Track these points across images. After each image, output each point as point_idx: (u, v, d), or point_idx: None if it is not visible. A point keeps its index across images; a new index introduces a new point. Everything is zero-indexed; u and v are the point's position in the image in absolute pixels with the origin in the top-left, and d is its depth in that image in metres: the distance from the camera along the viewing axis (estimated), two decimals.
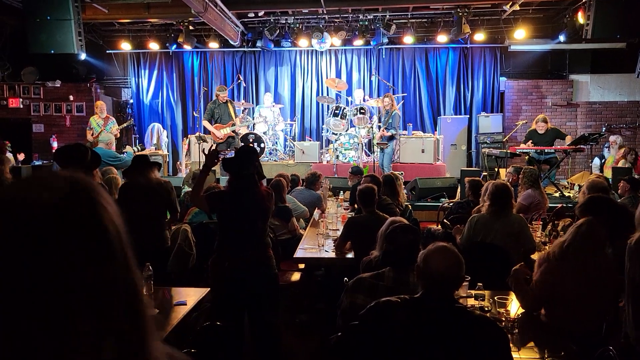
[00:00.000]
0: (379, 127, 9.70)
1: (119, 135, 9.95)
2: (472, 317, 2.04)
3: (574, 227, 3.18)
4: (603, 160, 10.00)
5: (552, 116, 10.96)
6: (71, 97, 11.99)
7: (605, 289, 3.06)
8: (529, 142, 9.06)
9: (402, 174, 8.89)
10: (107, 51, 12.22)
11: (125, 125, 10.61)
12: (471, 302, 3.13)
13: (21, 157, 10.50)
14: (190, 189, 6.57)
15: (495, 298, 3.04)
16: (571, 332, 2.89)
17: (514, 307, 3.01)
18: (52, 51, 7.75)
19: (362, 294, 2.68)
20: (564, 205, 7.10)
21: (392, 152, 9.74)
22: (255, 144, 9.90)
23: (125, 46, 11.74)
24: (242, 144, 9.38)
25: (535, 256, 4.27)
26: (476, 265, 3.64)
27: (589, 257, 3.06)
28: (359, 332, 2.09)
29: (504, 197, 4.34)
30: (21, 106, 11.92)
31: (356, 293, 2.72)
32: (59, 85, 11.91)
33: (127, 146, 10.89)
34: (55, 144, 11.62)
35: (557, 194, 8.68)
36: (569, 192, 8.91)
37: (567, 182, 9.96)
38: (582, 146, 8.87)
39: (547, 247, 4.32)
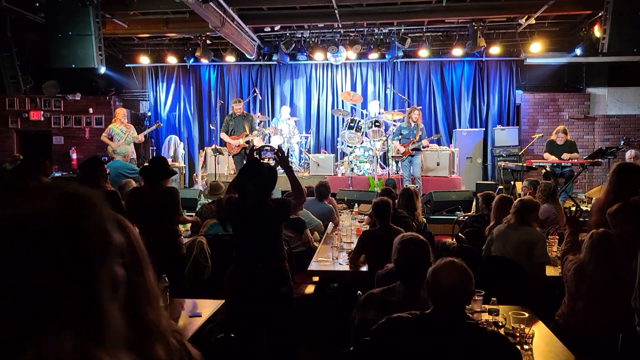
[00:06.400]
0: (399, 141, 9.68)
1: (143, 139, 10.07)
2: (483, 333, 2.04)
3: (587, 241, 3.18)
4: None
5: (569, 129, 10.85)
6: (90, 110, 12.21)
7: (623, 300, 3.04)
8: (547, 154, 9.09)
9: (417, 187, 8.87)
10: (126, 65, 12.43)
11: (154, 127, 10.74)
12: (485, 316, 3.12)
13: None
14: (207, 201, 6.65)
15: (510, 313, 3.02)
16: (585, 344, 2.88)
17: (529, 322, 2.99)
18: (73, 65, 7.90)
19: (373, 309, 2.68)
20: (582, 219, 7.01)
21: (421, 163, 9.83)
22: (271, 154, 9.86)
23: (144, 60, 11.94)
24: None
25: (550, 270, 4.28)
26: (491, 279, 3.63)
27: (605, 269, 3.06)
28: (370, 347, 2.10)
29: (528, 211, 4.38)
30: (42, 119, 12.16)
31: (367, 309, 2.72)
32: (79, 99, 12.13)
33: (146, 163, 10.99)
34: (74, 156, 11.83)
35: (574, 208, 8.57)
36: (586, 206, 8.80)
37: (585, 196, 9.84)
38: (599, 160, 8.78)
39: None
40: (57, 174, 11.00)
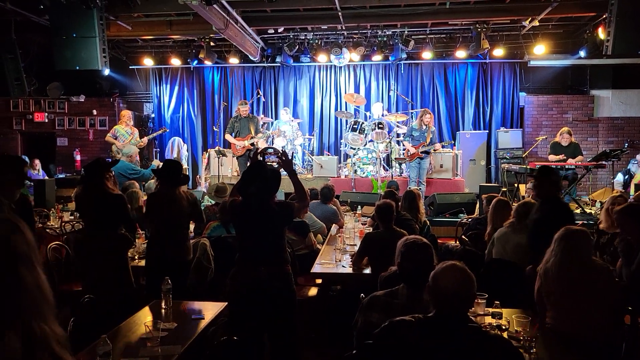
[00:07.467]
0: (409, 143, 9.67)
1: (146, 142, 10.10)
2: (486, 337, 2.04)
3: (556, 238, 3.16)
4: (627, 177, 9.83)
5: (573, 132, 10.85)
6: (94, 112, 12.25)
7: (602, 297, 3.02)
8: (552, 155, 9.06)
9: (420, 189, 8.86)
10: (130, 67, 12.47)
11: (160, 132, 10.76)
12: (488, 320, 3.11)
13: (36, 164, 10.63)
14: (210, 203, 6.65)
15: (513, 316, 3.02)
16: (578, 341, 2.87)
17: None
18: (78, 67, 7.92)
19: (376, 312, 2.68)
20: (585, 222, 7.01)
21: (429, 166, 9.84)
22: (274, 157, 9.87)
23: (148, 62, 11.97)
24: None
25: None
26: (494, 282, 3.62)
27: (575, 267, 3.05)
28: (373, 350, 2.10)
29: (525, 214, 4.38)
30: (46, 120, 12.21)
31: (370, 311, 2.72)
32: (82, 100, 12.18)
33: (155, 160, 10.99)
34: (78, 157, 11.87)
35: (578, 211, 8.55)
36: (590, 209, 8.78)
37: (589, 199, 9.81)
38: (603, 162, 8.75)
39: None
40: (60, 175, 11.04)
